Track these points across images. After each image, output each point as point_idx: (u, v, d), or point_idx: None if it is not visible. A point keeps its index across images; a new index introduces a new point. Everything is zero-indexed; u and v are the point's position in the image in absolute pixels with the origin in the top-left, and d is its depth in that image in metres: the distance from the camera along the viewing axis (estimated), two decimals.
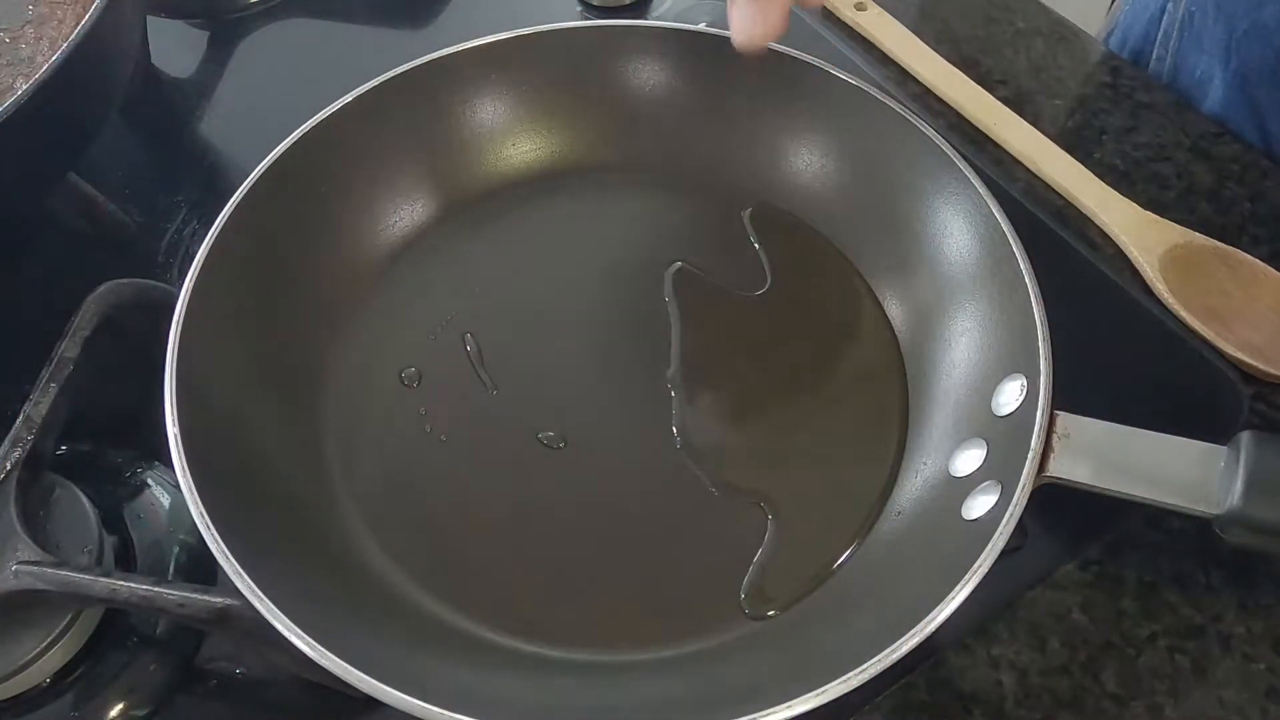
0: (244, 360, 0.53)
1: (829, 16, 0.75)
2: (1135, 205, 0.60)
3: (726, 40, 0.53)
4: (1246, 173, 0.63)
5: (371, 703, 0.40)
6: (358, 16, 0.80)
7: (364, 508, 0.52)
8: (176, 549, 0.53)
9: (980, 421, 0.50)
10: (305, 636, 0.41)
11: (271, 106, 0.72)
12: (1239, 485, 0.43)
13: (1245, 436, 0.44)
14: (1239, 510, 0.42)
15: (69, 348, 0.53)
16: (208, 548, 0.44)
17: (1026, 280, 0.49)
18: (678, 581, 0.50)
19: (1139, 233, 0.59)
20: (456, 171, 0.62)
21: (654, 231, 0.62)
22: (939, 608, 0.41)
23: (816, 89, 0.59)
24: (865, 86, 0.58)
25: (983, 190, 0.53)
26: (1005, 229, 0.51)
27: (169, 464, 0.46)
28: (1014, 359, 0.49)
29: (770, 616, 0.48)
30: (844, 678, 0.40)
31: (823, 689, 0.40)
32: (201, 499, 0.45)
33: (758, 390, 0.56)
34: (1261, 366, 0.54)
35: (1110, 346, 0.57)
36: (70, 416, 0.53)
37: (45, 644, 0.48)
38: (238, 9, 0.81)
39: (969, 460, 0.49)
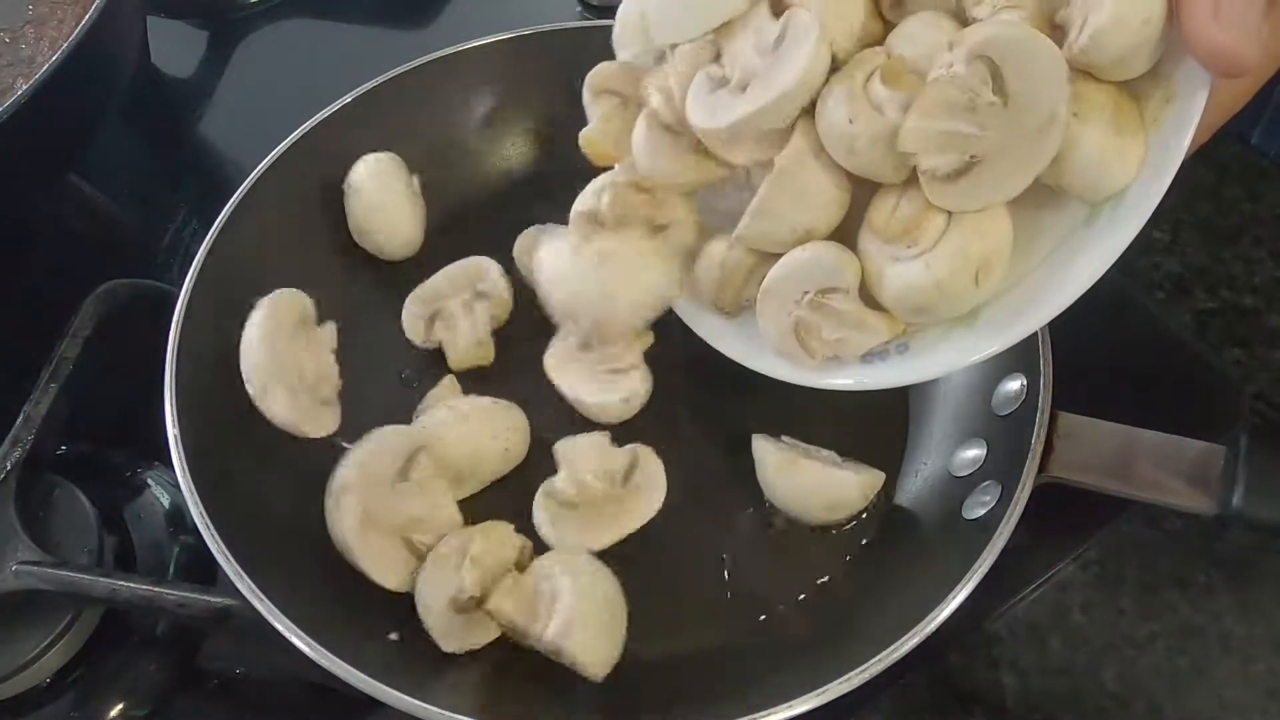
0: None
1: None
2: None
3: None
4: (1246, 173, 0.63)
5: (371, 703, 0.41)
6: (358, 16, 0.80)
7: None
8: (176, 549, 0.53)
9: (980, 421, 0.50)
10: (305, 636, 0.41)
11: (271, 106, 0.72)
12: (1239, 485, 0.43)
13: (1245, 436, 0.44)
14: (1239, 510, 0.42)
15: (69, 348, 0.53)
16: (208, 548, 0.44)
17: None
18: (677, 581, 0.50)
19: None
20: (457, 171, 0.62)
21: None
22: (939, 608, 0.42)
23: None
24: None
25: None
26: None
27: (169, 464, 0.46)
28: (1014, 359, 0.49)
29: (769, 616, 0.49)
30: (844, 678, 0.40)
31: (823, 689, 0.40)
32: (201, 499, 0.45)
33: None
34: None
35: (1110, 346, 0.57)
36: (70, 416, 0.53)
37: (45, 644, 0.48)
38: (238, 9, 0.81)
39: (969, 460, 0.49)
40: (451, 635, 0.46)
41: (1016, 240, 0.41)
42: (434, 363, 0.56)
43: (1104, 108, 0.38)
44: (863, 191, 0.43)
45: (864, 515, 0.51)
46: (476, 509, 0.50)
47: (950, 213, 0.40)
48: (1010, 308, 0.41)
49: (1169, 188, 0.38)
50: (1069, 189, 0.40)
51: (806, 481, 0.50)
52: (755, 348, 0.47)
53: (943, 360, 0.43)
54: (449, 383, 0.54)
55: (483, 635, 0.46)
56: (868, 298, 0.43)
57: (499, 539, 0.47)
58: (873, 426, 0.53)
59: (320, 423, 0.53)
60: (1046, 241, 0.41)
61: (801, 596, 0.49)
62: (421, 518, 0.48)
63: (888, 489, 0.51)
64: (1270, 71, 0.38)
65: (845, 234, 0.44)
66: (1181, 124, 0.37)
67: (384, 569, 0.47)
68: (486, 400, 0.53)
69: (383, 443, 0.48)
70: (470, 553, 0.46)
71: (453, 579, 0.46)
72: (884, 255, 0.42)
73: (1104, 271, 0.39)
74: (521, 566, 0.47)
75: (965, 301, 0.41)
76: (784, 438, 0.52)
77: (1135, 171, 0.39)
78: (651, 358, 0.54)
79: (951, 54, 0.38)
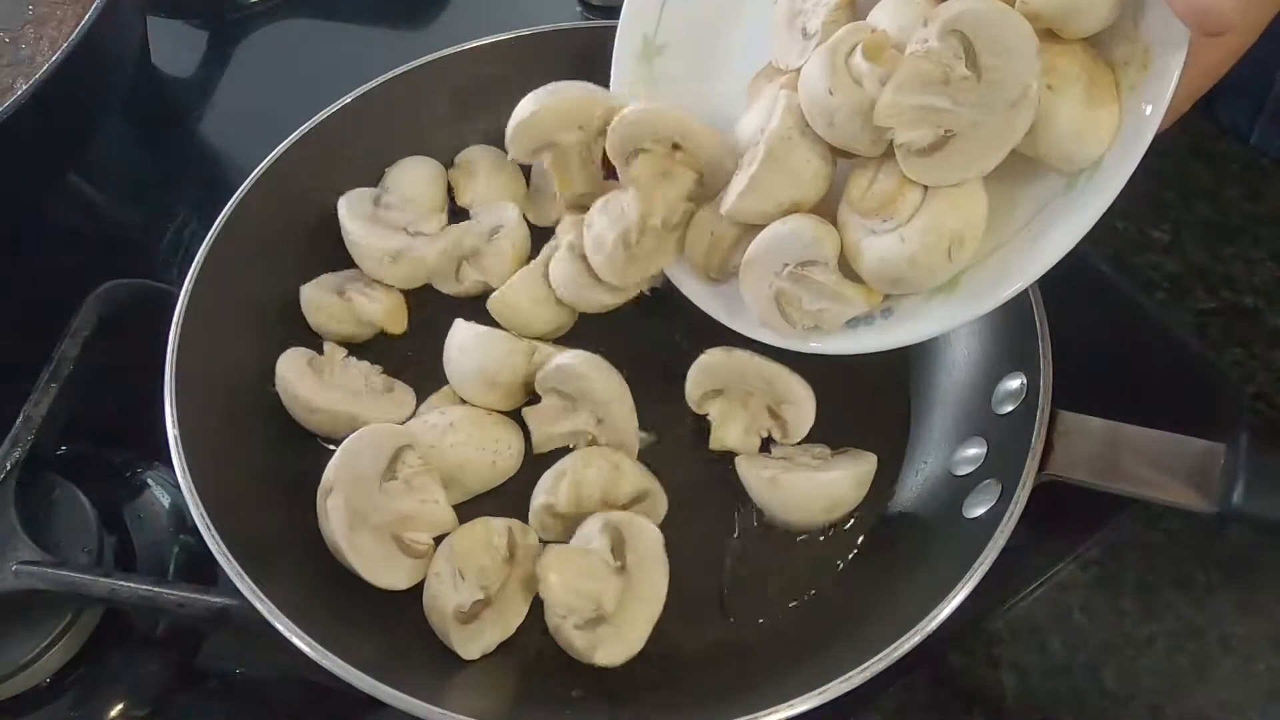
0: (243, 360, 0.53)
1: None
2: None
3: None
4: (1246, 172, 0.63)
5: (371, 703, 0.41)
6: (358, 16, 0.80)
7: None
8: (176, 549, 0.53)
9: (981, 420, 0.50)
10: (305, 636, 0.41)
11: (271, 106, 0.72)
12: (1239, 483, 0.43)
13: (1245, 435, 0.44)
14: (1239, 508, 0.42)
15: (69, 348, 0.53)
16: (208, 548, 0.44)
17: None
18: (678, 584, 0.50)
19: None
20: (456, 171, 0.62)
21: None
22: (939, 608, 0.42)
23: None
24: None
25: None
26: None
27: (169, 464, 0.46)
28: (1014, 358, 0.49)
29: (769, 617, 0.49)
30: (844, 677, 0.40)
31: (823, 689, 0.40)
32: (201, 499, 0.45)
33: None
34: None
35: (1110, 346, 0.57)
36: (70, 416, 0.53)
37: (45, 644, 0.48)
38: (238, 9, 0.81)
39: (970, 459, 0.49)
40: (469, 643, 0.46)
41: (995, 208, 0.41)
42: (435, 367, 0.56)
43: (1078, 79, 0.39)
44: (847, 164, 0.44)
45: (863, 514, 0.51)
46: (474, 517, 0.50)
47: (926, 188, 0.41)
48: (990, 275, 0.42)
49: (1158, 162, 0.38)
50: (1044, 160, 0.40)
51: (798, 493, 0.50)
52: (742, 312, 0.48)
53: (924, 326, 0.44)
54: (447, 390, 0.54)
55: (499, 634, 0.47)
56: (849, 269, 0.44)
57: (480, 536, 0.47)
58: (873, 425, 0.53)
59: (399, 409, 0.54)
60: (1025, 209, 0.42)
61: (802, 597, 0.49)
62: (412, 515, 0.48)
63: (887, 488, 0.52)
64: (1249, 39, 0.39)
65: (828, 205, 0.45)
66: (1159, 88, 0.37)
67: (376, 568, 0.47)
68: (480, 411, 0.53)
69: (362, 442, 0.48)
70: (456, 565, 0.46)
71: (451, 595, 0.46)
72: (861, 228, 0.43)
73: (1080, 239, 0.39)
74: (514, 551, 0.48)
75: (938, 275, 0.42)
76: (773, 447, 0.52)
77: (1109, 142, 0.39)
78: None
79: (926, 29, 0.39)
